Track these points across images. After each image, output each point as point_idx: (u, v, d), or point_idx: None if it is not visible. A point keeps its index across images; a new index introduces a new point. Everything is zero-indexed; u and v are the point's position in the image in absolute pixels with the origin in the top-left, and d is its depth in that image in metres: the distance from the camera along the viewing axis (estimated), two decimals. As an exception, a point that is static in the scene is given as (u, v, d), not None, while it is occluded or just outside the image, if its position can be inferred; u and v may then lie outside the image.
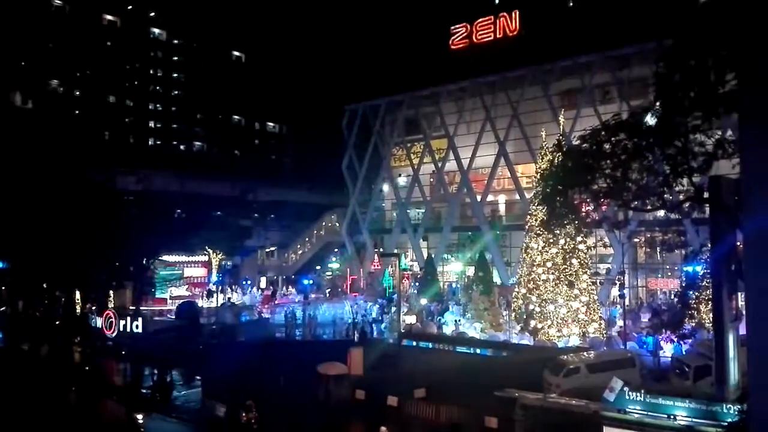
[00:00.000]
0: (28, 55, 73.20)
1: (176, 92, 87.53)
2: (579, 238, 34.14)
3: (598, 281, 41.66)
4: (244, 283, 60.23)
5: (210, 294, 52.51)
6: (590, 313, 33.57)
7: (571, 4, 53.05)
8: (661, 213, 26.91)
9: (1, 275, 51.33)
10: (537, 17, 52.92)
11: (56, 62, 75.19)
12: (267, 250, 70.05)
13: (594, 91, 49.08)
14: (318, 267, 65.23)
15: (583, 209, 24.48)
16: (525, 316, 34.90)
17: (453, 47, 57.98)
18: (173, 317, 44.27)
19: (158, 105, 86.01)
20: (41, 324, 44.12)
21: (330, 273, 61.52)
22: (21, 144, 65.25)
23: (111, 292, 44.86)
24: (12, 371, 34.43)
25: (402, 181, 63.01)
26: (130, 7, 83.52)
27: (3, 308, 48.93)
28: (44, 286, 46.95)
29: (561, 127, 40.32)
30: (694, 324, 28.82)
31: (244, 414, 22.78)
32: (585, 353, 27.72)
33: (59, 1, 77.16)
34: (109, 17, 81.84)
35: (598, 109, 45.72)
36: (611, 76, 48.31)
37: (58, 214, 40.48)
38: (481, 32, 56.60)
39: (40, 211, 41.37)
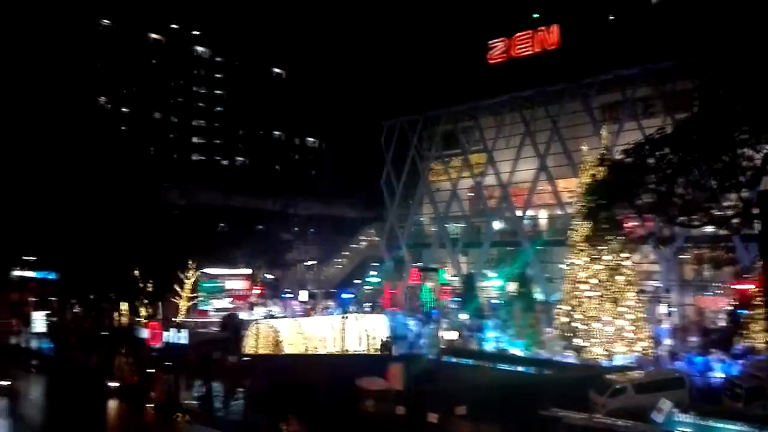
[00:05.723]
0: (77, 73, 75.90)
1: (219, 109, 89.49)
2: (624, 254, 33.43)
3: (644, 298, 40.74)
4: (284, 296, 60.74)
5: (252, 307, 53.22)
6: (637, 332, 32.77)
7: (612, 17, 52.44)
8: (709, 229, 26.33)
9: (51, 286, 53.00)
10: (576, 31, 52.33)
11: (104, 80, 77.81)
12: (307, 263, 70.67)
13: (636, 105, 48.25)
14: (357, 281, 65.40)
15: (628, 224, 24.17)
16: (569, 334, 34.26)
17: (491, 61, 57.71)
18: (216, 329, 44.94)
19: (202, 121, 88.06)
20: (89, 334, 45.34)
21: (369, 287, 61.61)
22: (70, 159, 67.66)
23: (157, 303, 45.83)
24: (65, 380, 35.44)
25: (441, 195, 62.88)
26: (174, 26, 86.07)
27: (54, 319, 50.40)
28: (91, 297, 48.26)
29: (603, 141, 39.75)
30: (745, 344, 28.05)
31: (285, 426, 22.94)
32: (632, 372, 27.11)
33: (107, 21, 79.94)
34: (154, 36, 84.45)
35: (641, 122, 44.92)
36: (654, 89, 47.42)
37: (106, 227, 41.68)
38: (519, 46, 56.22)
39: (90, 224, 42.67)
